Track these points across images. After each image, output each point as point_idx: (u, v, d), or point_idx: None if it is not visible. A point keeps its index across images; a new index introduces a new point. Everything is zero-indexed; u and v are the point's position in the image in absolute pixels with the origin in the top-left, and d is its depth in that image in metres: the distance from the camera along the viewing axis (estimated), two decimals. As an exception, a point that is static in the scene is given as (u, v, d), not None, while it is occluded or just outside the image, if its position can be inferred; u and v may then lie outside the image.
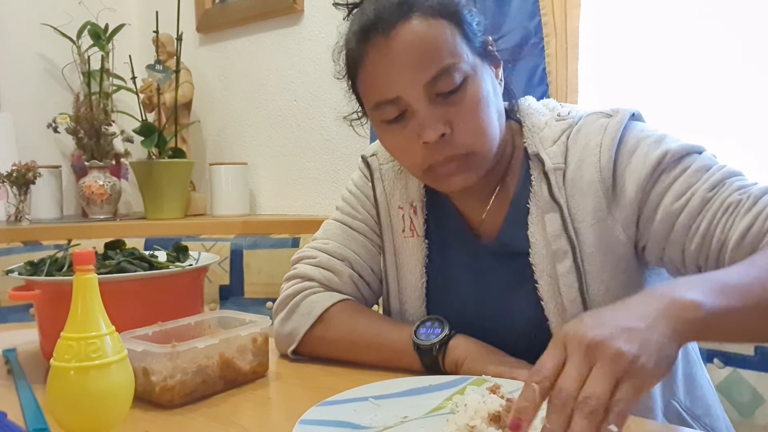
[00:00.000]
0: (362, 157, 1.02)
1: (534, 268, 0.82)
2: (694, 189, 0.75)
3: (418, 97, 0.77)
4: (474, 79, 0.79)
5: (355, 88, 0.86)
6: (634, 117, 0.84)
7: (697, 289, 0.57)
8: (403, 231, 0.94)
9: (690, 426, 0.82)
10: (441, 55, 0.76)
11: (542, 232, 0.82)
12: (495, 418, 0.59)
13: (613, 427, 0.47)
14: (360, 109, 0.89)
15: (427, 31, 0.77)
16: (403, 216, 0.94)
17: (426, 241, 0.93)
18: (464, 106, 0.78)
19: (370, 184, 0.99)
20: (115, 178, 2.12)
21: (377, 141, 1.04)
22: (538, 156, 0.84)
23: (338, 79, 0.87)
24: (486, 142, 0.80)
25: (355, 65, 0.82)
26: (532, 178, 0.84)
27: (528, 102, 0.91)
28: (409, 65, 0.77)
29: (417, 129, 0.78)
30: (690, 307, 0.55)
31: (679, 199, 0.76)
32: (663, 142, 0.79)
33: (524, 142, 0.86)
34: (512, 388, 0.70)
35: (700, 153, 0.78)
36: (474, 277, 0.89)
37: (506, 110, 0.88)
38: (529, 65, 1.44)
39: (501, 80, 0.86)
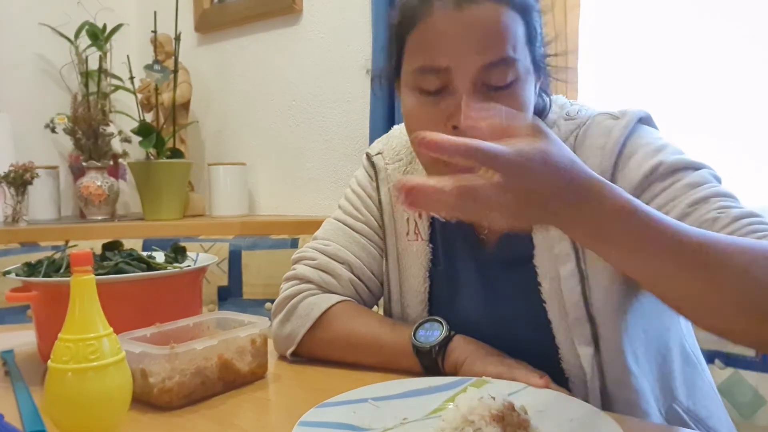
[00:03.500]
0: (367, 156, 1.00)
1: (537, 270, 0.82)
2: (676, 203, 0.73)
3: (466, 76, 0.73)
4: (523, 83, 0.76)
5: (400, 43, 0.81)
6: (642, 120, 0.82)
7: (649, 213, 0.56)
8: (407, 234, 0.93)
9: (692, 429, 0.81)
10: (506, 45, 0.73)
11: (546, 234, 0.81)
12: (497, 418, 0.58)
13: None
14: (394, 66, 0.82)
15: (501, 17, 0.74)
16: (407, 219, 0.93)
17: (430, 245, 0.91)
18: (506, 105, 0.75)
19: (374, 184, 0.97)
20: (113, 179, 2.12)
21: (382, 138, 1.02)
22: None
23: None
24: None
25: (413, 18, 0.76)
26: None
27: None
28: (472, 40, 0.72)
29: (451, 109, 0.74)
30: (620, 206, 0.54)
31: (659, 211, 0.74)
32: (661, 152, 0.77)
33: None
34: (512, 388, 0.70)
35: (697, 169, 0.76)
36: (478, 281, 0.88)
37: None
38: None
39: (535, 94, 0.83)
